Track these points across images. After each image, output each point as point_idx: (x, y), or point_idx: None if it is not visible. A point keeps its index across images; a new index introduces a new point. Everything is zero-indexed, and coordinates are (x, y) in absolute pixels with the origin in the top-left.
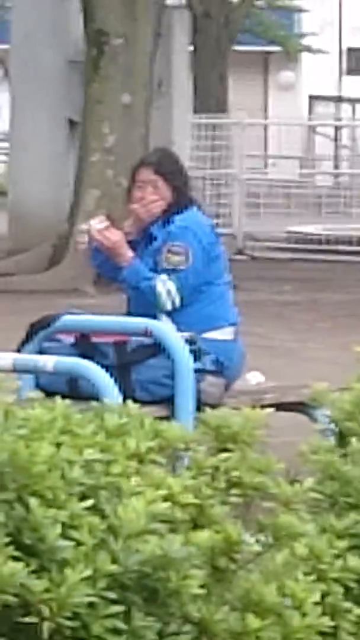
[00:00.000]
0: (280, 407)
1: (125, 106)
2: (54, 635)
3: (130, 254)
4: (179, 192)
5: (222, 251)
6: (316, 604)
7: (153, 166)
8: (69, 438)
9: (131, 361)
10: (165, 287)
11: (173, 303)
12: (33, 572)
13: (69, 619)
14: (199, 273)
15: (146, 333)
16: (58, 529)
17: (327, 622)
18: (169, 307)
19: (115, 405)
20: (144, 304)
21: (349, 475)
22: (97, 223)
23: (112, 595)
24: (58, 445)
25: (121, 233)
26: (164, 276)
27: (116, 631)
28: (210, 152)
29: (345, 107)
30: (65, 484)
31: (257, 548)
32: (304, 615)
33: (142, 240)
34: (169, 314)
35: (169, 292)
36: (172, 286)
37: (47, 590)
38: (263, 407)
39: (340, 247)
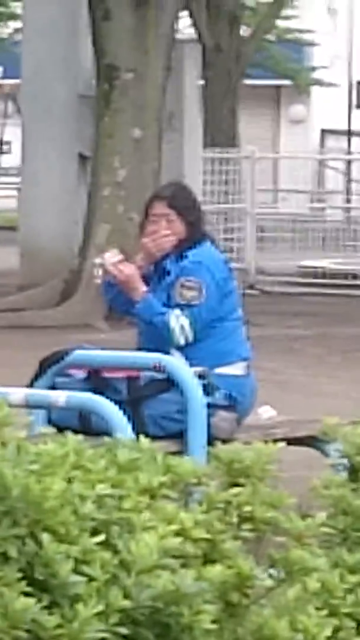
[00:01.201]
0: (291, 441)
1: (136, 140)
2: None
3: (143, 288)
4: (193, 226)
5: (235, 286)
6: (328, 638)
7: (167, 200)
8: (81, 473)
9: (143, 396)
10: (179, 323)
11: (186, 338)
12: (45, 607)
13: None
14: (212, 309)
15: (158, 368)
16: (70, 564)
17: None
18: (182, 342)
19: (127, 440)
20: (156, 338)
21: (357, 507)
22: (111, 257)
23: (124, 630)
24: (70, 480)
25: (135, 267)
26: (177, 311)
27: None
28: (221, 186)
29: (356, 141)
30: (77, 519)
31: (269, 583)
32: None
33: (156, 275)
34: (180, 349)
35: (182, 328)
36: (185, 321)
37: (59, 626)
38: (275, 441)
39: (352, 282)
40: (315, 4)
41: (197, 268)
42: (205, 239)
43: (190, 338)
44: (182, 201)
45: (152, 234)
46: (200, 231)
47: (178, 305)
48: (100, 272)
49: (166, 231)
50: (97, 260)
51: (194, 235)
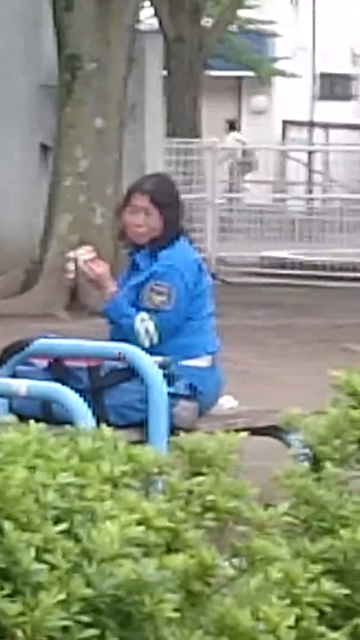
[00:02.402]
0: (253, 431)
1: (98, 130)
2: None
3: (113, 288)
4: (170, 224)
5: (207, 285)
6: (290, 628)
7: (149, 194)
8: (43, 462)
9: (104, 385)
10: (144, 326)
11: (151, 341)
12: (7, 595)
13: None
14: (180, 313)
15: (119, 357)
16: (32, 552)
17: None
18: (146, 345)
19: (89, 429)
20: (121, 335)
21: (323, 500)
22: (84, 254)
23: (86, 619)
24: (32, 469)
25: (106, 265)
26: (144, 314)
27: None
28: (183, 176)
29: (318, 132)
30: (39, 507)
31: (231, 572)
32: (278, 639)
33: (126, 267)
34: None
35: (147, 331)
36: (151, 326)
37: (21, 614)
38: (236, 431)
39: (313, 272)
40: None
41: (168, 272)
42: (180, 236)
43: (155, 341)
44: (163, 197)
45: (129, 223)
46: (177, 229)
47: (146, 309)
48: (72, 266)
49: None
50: (70, 255)
51: (169, 234)
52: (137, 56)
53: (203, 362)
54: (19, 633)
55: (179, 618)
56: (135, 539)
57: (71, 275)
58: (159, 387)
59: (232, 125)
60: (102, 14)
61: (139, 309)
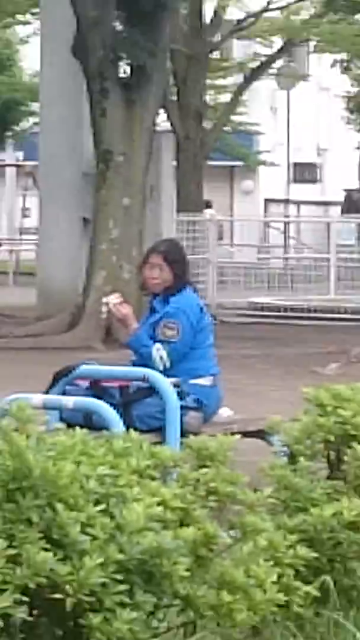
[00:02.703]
0: (245, 434)
1: (125, 207)
2: (75, 608)
3: (135, 325)
4: (178, 277)
5: (208, 322)
6: (273, 583)
7: (162, 254)
8: (86, 458)
9: (132, 400)
10: (159, 354)
11: (164, 366)
12: (59, 560)
13: (87, 595)
14: (186, 344)
15: (143, 379)
16: (78, 527)
17: (282, 597)
18: (161, 368)
19: (121, 433)
20: (141, 361)
21: (298, 486)
22: (114, 299)
23: (119, 577)
24: (78, 463)
25: (130, 308)
26: (158, 345)
27: (122, 604)
28: (190, 241)
29: (292, 208)
30: (83, 493)
31: (228, 541)
32: (264, 592)
33: (148, 310)
34: (163, 370)
35: (161, 358)
36: (164, 354)
37: (70, 574)
38: (232, 434)
39: (289, 314)
40: (261, 103)
41: (176, 313)
42: (187, 286)
43: (167, 365)
44: (173, 256)
45: (148, 276)
46: (184, 281)
47: (160, 341)
48: (105, 309)
49: (125, 310)
50: (104, 300)
51: (178, 284)
52: (155, 150)
53: (206, 381)
54: (68, 588)
55: (189, 576)
56: (156, 516)
57: (104, 316)
58: (173, 402)
59: (208, 204)
60: (128, 119)
61: (155, 341)
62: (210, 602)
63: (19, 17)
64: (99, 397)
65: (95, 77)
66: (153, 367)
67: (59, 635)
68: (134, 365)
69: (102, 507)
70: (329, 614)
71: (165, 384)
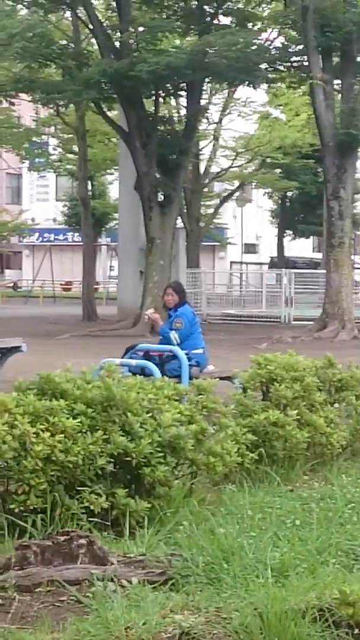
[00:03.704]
0: (221, 378)
1: (161, 266)
2: (136, 464)
3: (161, 324)
4: (181, 299)
5: (197, 320)
6: (235, 452)
7: (172, 287)
8: (142, 390)
9: (164, 362)
10: (174, 336)
11: (177, 342)
12: (129, 440)
13: (142, 458)
14: (187, 331)
15: (170, 351)
16: (138, 424)
17: (239, 459)
18: (175, 344)
19: (159, 378)
20: (166, 341)
21: (246, 403)
22: (151, 311)
23: (158, 449)
24: (138, 393)
25: (159, 316)
26: (173, 332)
27: (160, 463)
28: (193, 283)
29: (244, 266)
30: (140, 407)
31: (212, 431)
32: (230, 456)
33: (167, 317)
34: (177, 344)
35: (175, 338)
36: (176, 336)
37: (134, 447)
38: (213, 378)
39: (242, 319)
40: (228, 214)
41: (181, 315)
42: (185, 303)
43: (179, 342)
44: (178, 288)
45: (167, 300)
46: (184, 300)
47: (173, 329)
48: (146, 317)
49: (170, 301)
50: (146, 312)
51: (181, 302)
52: (175, 237)
53: (200, 351)
54: (133, 454)
55: (193, 449)
56: (177, 419)
57: (147, 320)
58: (185, 362)
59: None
60: (162, 222)
61: (171, 330)
62: (204, 462)
63: (109, 170)
64: (149, 360)
65: (146, 201)
66: (171, 344)
67: (128, 478)
68: (162, 344)
69: (150, 414)
70: (263, 468)
71: (181, 353)
